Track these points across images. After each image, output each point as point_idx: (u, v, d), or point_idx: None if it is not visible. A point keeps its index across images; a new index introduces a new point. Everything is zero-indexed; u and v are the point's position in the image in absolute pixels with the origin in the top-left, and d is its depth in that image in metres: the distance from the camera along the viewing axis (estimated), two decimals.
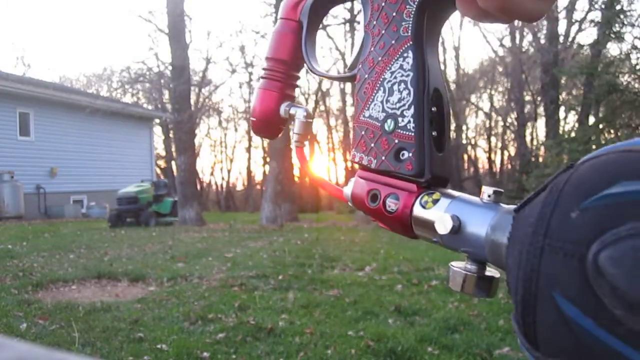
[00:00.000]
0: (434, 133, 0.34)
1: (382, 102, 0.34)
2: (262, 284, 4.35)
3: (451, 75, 23.57)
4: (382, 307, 3.58)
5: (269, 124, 0.41)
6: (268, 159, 18.80)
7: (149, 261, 5.64)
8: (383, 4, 0.34)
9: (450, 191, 0.33)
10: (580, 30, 17.00)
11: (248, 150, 32.14)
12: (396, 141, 0.33)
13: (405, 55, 0.33)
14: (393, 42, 0.34)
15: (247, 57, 24.27)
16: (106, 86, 29.12)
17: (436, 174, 0.33)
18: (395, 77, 0.33)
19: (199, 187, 22.45)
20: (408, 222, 0.33)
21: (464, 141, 28.43)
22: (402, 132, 0.33)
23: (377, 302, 3.74)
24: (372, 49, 0.35)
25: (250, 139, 31.91)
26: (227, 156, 34.40)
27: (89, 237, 8.42)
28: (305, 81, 25.07)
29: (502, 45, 21.87)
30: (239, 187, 35.69)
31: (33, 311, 3.41)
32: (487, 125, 26.85)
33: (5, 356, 0.25)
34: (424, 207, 0.32)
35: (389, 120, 0.33)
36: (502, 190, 0.30)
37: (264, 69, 0.41)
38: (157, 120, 23.58)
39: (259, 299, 3.80)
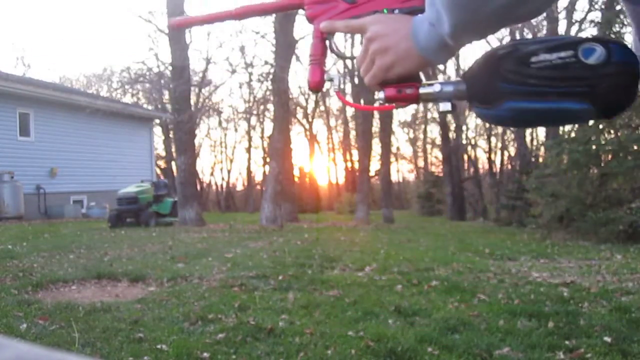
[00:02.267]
0: None
1: None
2: (262, 284, 4.35)
3: (451, 75, 23.55)
4: (382, 308, 3.58)
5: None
6: (268, 159, 18.78)
7: (149, 261, 5.64)
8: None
9: (434, 81, 0.72)
10: (580, 30, 17.00)
11: (248, 150, 32.14)
12: None
13: None
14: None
15: (247, 58, 24.34)
16: (106, 86, 29.15)
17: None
18: None
19: (199, 187, 22.46)
20: (418, 97, 0.73)
21: (464, 141, 28.40)
22: None
23: (377, 302, 3.74)
24: None
25: (250, 139, 31.91)
26: (227, 156, 34.43)
27: (89, 238, 8.42)
28: (306, 82, 25.22)
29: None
30: (239, 188, 35.74)
31: (33, 311, 3.41)
32: (487, 126, 26.86)
33: (5, 356, 0.25)
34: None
35: None
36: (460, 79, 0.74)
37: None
38: (157, 121, 23.61)
39: (259, 299, 3.80)
